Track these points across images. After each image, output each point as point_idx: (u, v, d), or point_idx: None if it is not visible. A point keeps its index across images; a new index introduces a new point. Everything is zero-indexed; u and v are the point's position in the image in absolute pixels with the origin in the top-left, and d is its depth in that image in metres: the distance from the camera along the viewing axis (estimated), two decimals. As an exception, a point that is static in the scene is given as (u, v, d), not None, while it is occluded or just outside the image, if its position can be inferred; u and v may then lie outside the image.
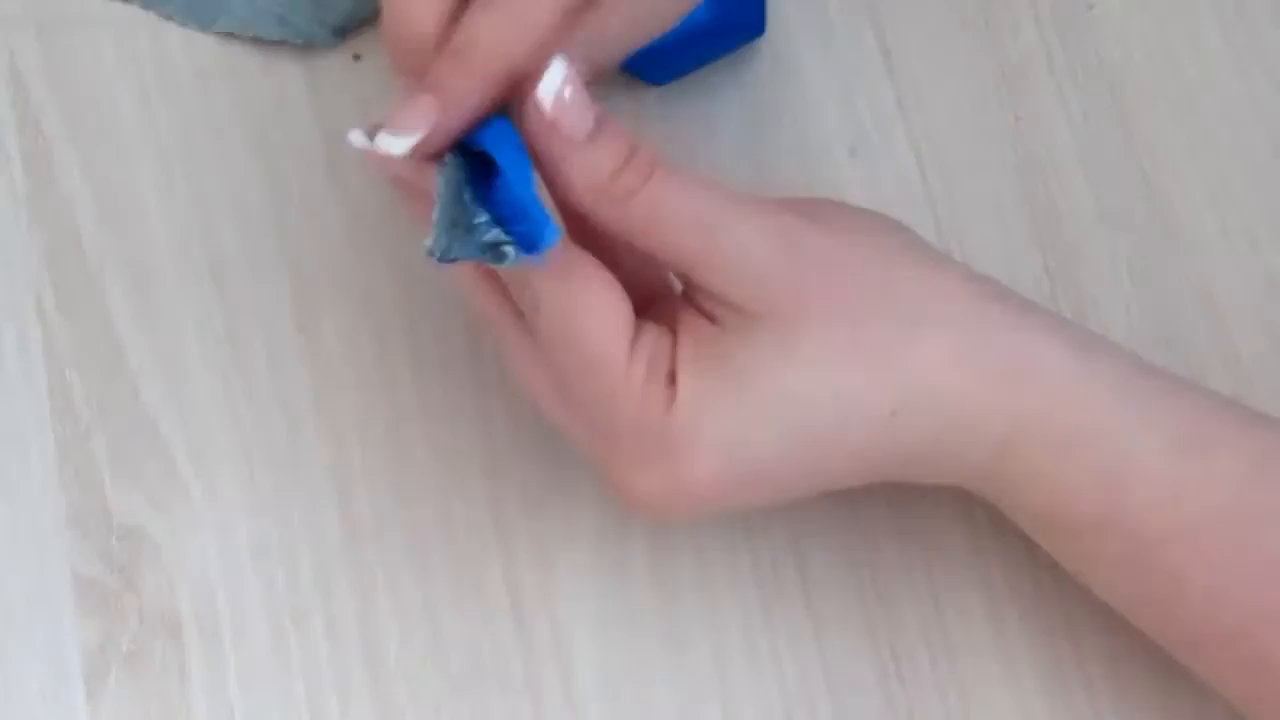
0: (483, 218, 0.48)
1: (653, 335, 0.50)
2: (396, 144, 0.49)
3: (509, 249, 0.48)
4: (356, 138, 0.49)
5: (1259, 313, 0.59)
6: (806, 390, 0.49)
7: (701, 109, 0.62)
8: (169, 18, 0.63)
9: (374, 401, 0.58)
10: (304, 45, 0.62)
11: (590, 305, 0.49)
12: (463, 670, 0.56)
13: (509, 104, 0.50)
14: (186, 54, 0.62)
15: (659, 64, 0.61)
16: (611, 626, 0.56)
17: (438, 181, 0.49)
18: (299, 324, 0.59)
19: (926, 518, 0.57)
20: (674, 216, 0.49)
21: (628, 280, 0.50)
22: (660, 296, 0.53)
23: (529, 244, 0.48)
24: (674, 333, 0.50)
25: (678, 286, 0.52)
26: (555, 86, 0.49)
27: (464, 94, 0.49)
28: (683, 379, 0.49)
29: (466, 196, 0.49)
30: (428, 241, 0.48)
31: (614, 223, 0.50)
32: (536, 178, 0.49)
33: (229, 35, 0.62)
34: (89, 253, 0.60)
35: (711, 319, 0.50)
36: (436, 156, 0.49)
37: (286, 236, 0.60)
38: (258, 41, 0.62)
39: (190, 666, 0.56)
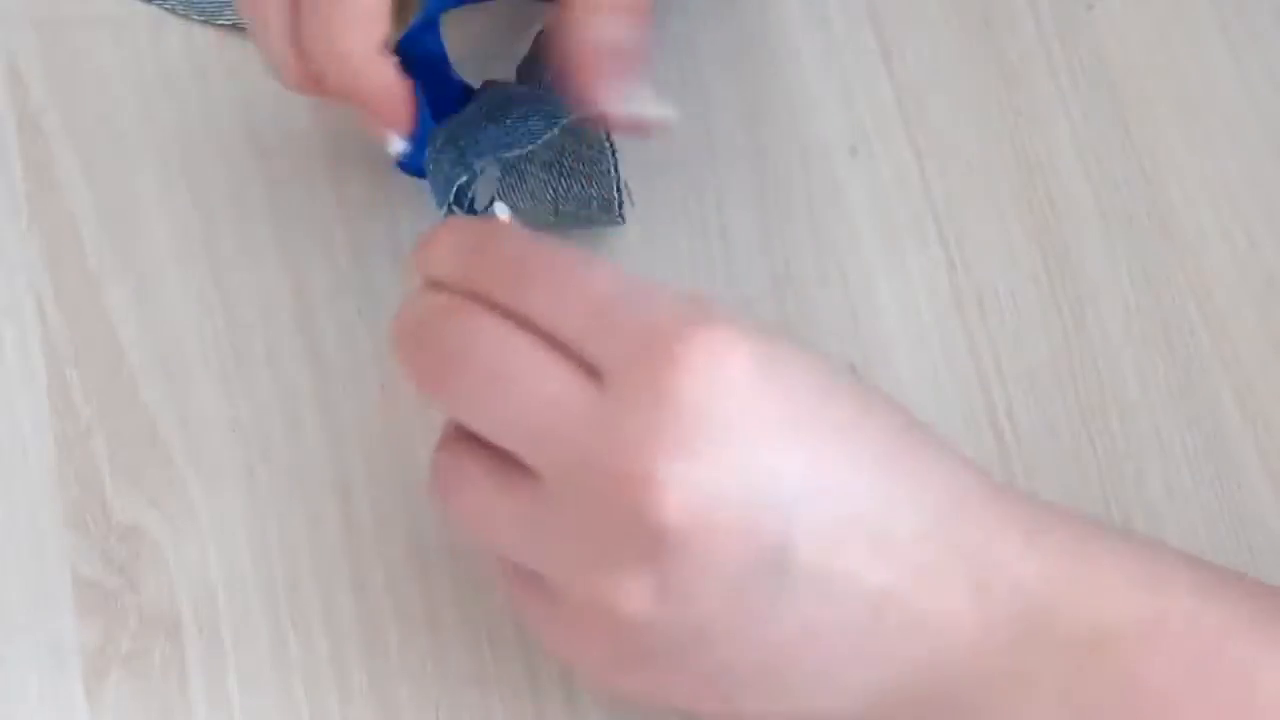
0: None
1: None
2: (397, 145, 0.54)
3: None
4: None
5: (1259, 313, 0.59)
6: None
7: (700, 109, 0.62)
8: (172, 10, 0.62)
9: (374, 401, 0.58)
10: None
11: None
12: (463, 670, 0.56)
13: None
14: (186, 53, 0.62)
15: None
16: (611, 627, 0.56)
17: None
18: (299, 324, 0.59)
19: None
20: None
21: None
22: None
23: None
24: None
25: None
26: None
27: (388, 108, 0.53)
28: None
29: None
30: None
31: None
32: None
33: (229, 34, 0.62)
34: (89, 253, 0.60)
35: None
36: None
37: (286, 236, 0.60)
38: (258, 41, 0.62)
39: (190, 667, 0.56)
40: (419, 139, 0.54)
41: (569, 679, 0.55)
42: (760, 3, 0.63)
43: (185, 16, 0.62)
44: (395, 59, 0.53)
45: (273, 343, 0.59)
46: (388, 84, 0.53)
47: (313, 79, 0.53)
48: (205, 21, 0.62)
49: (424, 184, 0.56)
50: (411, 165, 0.55)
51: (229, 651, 0.56)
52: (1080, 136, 0.62)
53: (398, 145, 0.54)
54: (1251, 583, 0.48)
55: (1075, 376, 0.59)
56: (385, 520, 0.57)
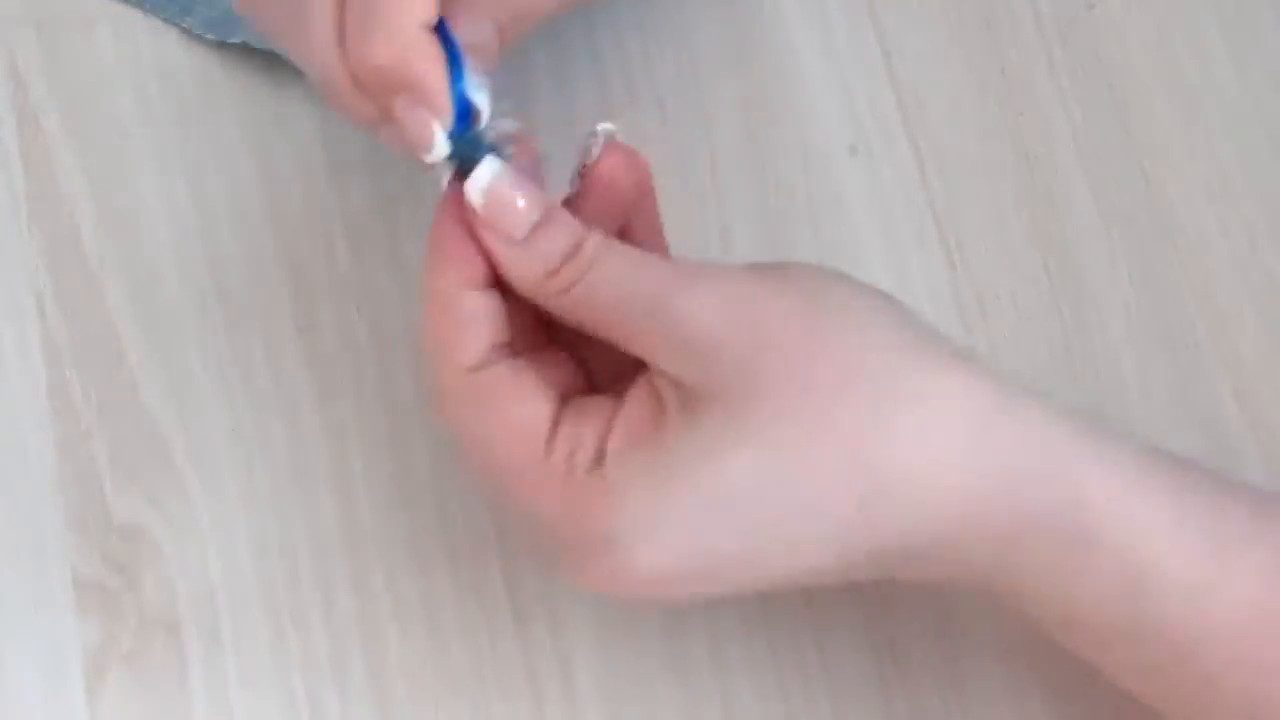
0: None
1: (573, 424, 0.47)
2: (435, 155, 0.49)
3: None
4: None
5: (1259, 313, 0.59)
6: (753, 479, 0.45)
7: (701, 110, 0.62)
8: (187, 30, 0.62)
9: (374, 401, 0.58)
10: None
11: (496, 409, 0.47)
12: (463, 670, 0.56)
13: None
14: (186, 54, 0.62)
15: None
16: (611, 626, 0.56)
17: None
18: (299, 324, 0.59)
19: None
20: (616, 300, 0.47)
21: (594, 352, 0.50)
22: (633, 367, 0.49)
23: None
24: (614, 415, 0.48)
25: None
26: (484, 184, 0.48)
27: (435, 84, 0.48)
28: (610, 468, 0.46)
29: None
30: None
31: (554, 310, 0.48)
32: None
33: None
34: (89, 253, 0.60)
35: (660, 399, 0.47)
36: None
37: (286, 236, 0.60)
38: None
39: (190, 666, 0.56)
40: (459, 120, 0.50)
41: (568, 678, 0.56)
42: (760, 3, 0.63)
43: (194, 34, 0.62)
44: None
45: (273, 343, 0.59)
46: (435, 63, 0.48)
47: (355, 82, 0.50)
48: (220, 42, 0.62)
49: (425, 182, 0.55)
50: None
51: (229, 651, 0.56)
52: (1080, 136, 0.62)
53: (441, 149, 0.49)
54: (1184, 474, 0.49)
55: (1075, 376, 0.59)
56: (385, 520, 0.57)
